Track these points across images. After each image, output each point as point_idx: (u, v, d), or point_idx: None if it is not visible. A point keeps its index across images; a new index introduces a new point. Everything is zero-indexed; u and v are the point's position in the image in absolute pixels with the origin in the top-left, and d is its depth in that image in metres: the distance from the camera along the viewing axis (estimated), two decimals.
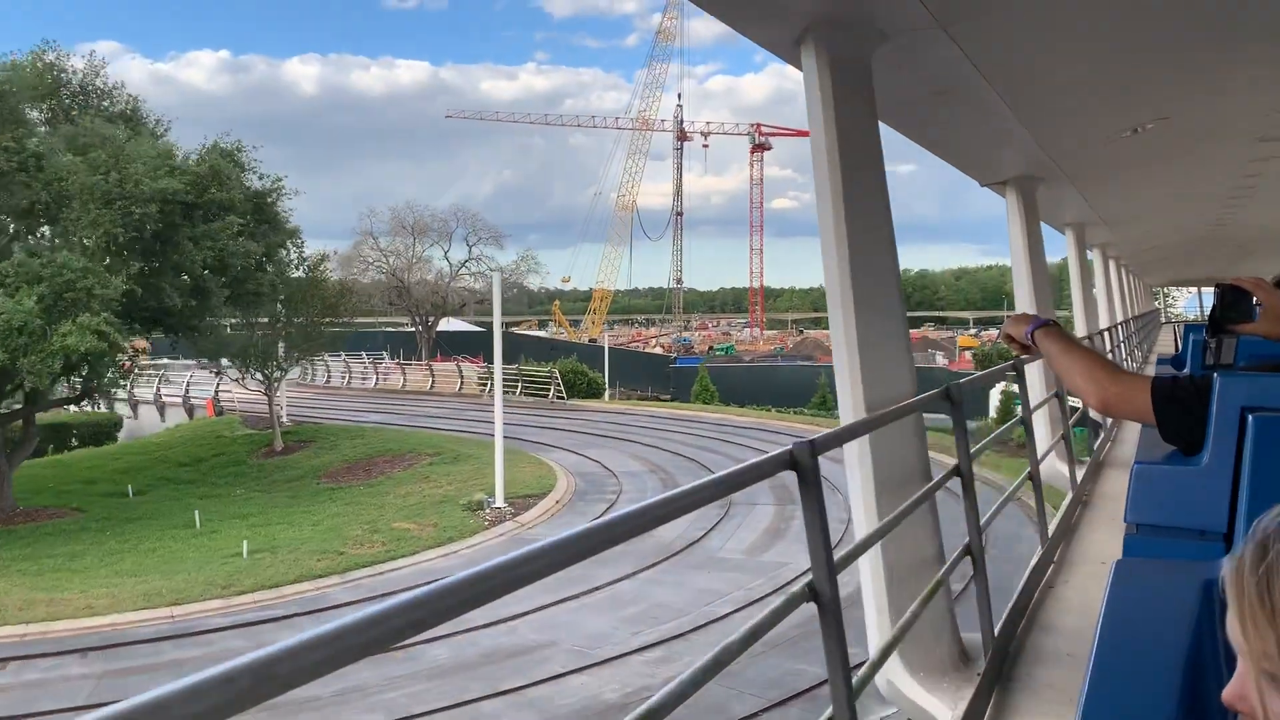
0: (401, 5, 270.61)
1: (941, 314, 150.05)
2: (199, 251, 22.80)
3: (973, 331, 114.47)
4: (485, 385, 42.89)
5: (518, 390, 41.65)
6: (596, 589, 16.70)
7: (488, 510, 21.85)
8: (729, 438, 30.88)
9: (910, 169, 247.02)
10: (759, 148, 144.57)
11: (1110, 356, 11.34)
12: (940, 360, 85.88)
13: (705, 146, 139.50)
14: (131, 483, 28.14)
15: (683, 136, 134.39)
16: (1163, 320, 38.71)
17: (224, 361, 30.67)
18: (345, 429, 32.68)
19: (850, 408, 3.69)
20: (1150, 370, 7.49)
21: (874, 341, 3.72)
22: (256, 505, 25.09)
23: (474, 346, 65.02)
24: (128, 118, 27.42)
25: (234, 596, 16.93)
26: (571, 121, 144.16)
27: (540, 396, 40.55)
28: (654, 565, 18.20)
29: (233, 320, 29.74)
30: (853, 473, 3.67)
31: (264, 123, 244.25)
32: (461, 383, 43.32)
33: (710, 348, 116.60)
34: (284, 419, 33.71)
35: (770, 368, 67.34)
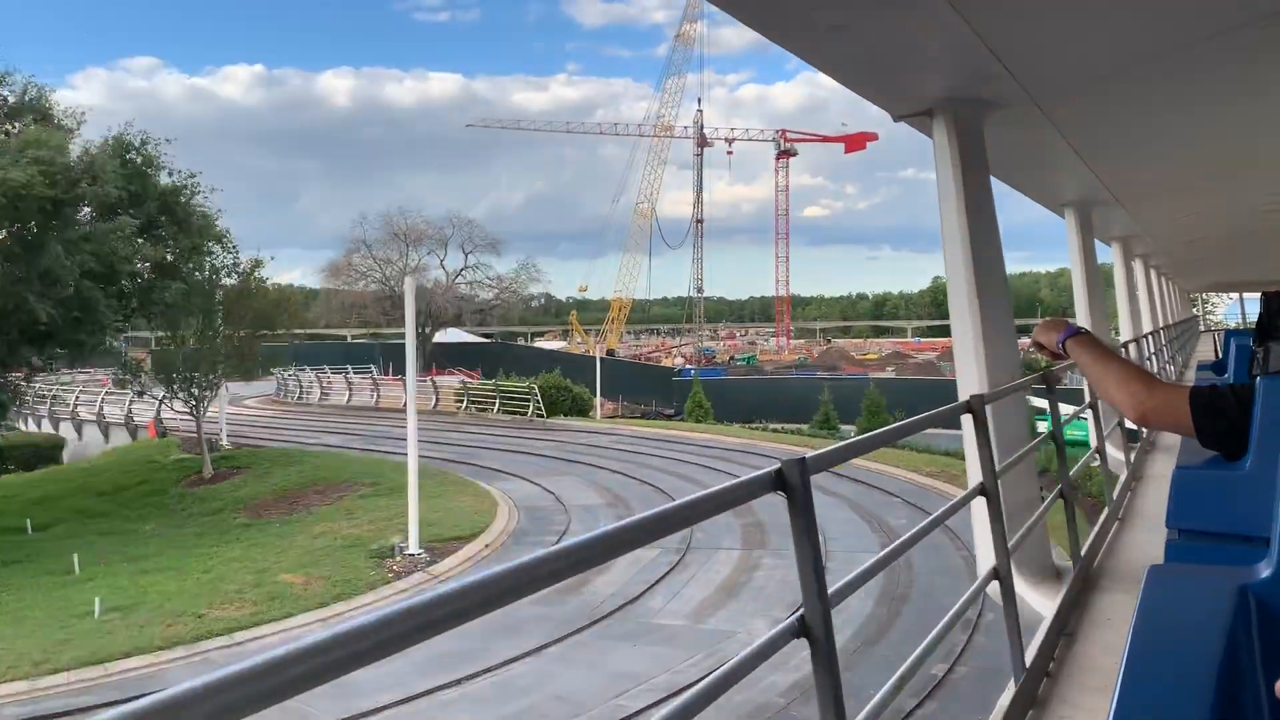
0: (433, 18, 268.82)
1: None
2: (73, 256, 19.71)
3: None
4: (462, 402, 39.71)
5: (495, 408, 38.40)
6: (487, 671, 13.29)
7: (398, 557, 18.52)
8: (711, 463, 27.37)
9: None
10: (784, 154, 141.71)
11: (1148, 364, 11.26)
12: None
13: (729, 153, 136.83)
14: (39, 515, 25.21)
15: (703, 142, 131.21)
16: (1201, 328, 36.41)
17: (144, 380, 27.64)
18: (288, 453, 29.54)
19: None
20: (1190, 377, 9.34)
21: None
22: (157, 545, 21.97)
23: (473, 358, 62.05)
24: (33, 109, 24.50)
25: (44, 676, 13.73)
26: (593, 129, 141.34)
27: (520, 414, 37.27)
28: (572, 635, 14.76)
29: (158, 335, 26.72)
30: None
31: (298, 135, 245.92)
32: (436, 400, 40.10)
33: (731, 358, 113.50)
34: (224, 442, 30.70)
35: (778, 380, 63.49)
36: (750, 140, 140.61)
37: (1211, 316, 62.57)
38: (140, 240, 21.32)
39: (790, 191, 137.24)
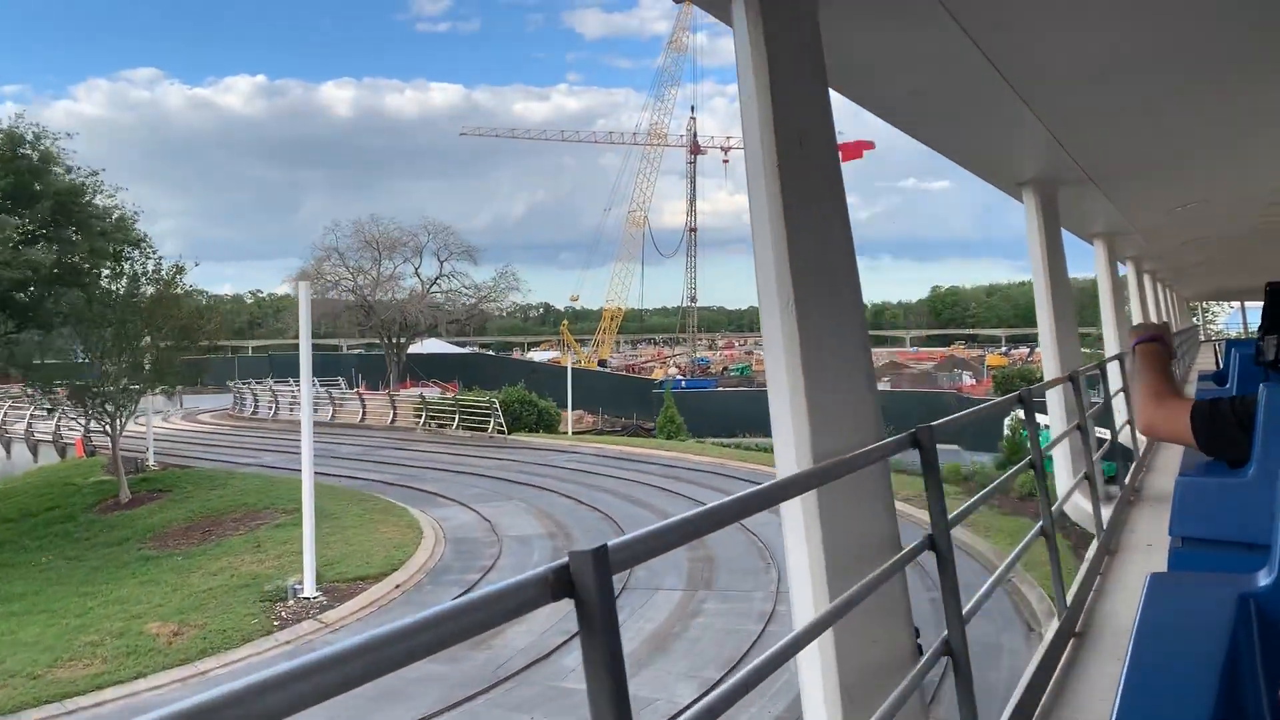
0: (434, 28, 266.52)
1: (973, 331, 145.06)
2: None
3: (1003, 350, 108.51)
4: (421, 417, 37.53)
5: (454, 424, 36.19)
6: None
7: (291, 601, 16.31)
8: (671, 485, 25.16)
9: (944, 185, 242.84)
10: None
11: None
12: (967, 380, 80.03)
13: (725, 161, 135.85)
14: None
15: (696, 150, 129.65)
16: (1201, 338, 34.39)
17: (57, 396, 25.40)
18: (215, 475, 27.33)
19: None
20: (1192, 388, 8.72)
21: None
22: (43, 581, 19.76)
23: (452, 369, 59.86)
24: None
25: None
26: (588, 137, 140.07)
27: (481, 430, 35.07)
28: (464, 701, 12.56)
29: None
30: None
31: (299, 146, 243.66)
32: (394, 415, 37.90)
33: (725, 369, 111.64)
34: (150, 462, 28.52)
35: (754, 394, 61.15)
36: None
37: (1212, 326, 60.46)
38: (27, 245, 19.14)
39: None
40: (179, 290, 25.24)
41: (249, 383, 44.54)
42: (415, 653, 1.05)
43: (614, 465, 28.81)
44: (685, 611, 15.80)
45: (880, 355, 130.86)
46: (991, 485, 4.06)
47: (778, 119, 2.95)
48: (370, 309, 55.78)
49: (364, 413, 38.91)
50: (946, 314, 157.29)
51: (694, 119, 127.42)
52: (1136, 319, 15.48)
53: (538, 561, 19.38)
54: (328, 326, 55.18)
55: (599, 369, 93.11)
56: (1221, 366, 7.55)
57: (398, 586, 17.33)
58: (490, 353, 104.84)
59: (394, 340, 56.62)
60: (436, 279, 58.59)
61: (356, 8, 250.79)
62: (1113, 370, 8.15)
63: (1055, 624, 4.06)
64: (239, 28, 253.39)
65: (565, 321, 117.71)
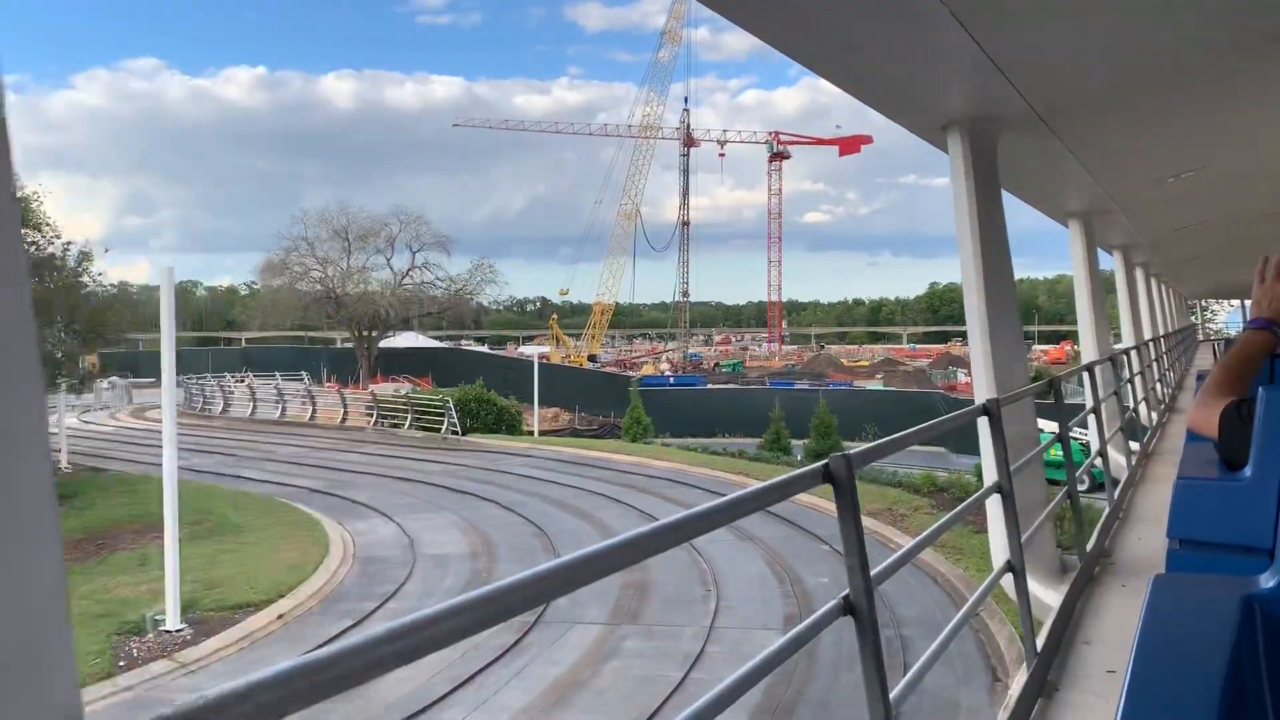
0: (435, 21, 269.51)
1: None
2: None
3: None
4: (372, 416, 35.38)
5: (407, 424, 34.03)
6: None
7: (149, 635, 14.18)
8: (622, 494, 22.99)
9: (944, 182, 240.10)
10: (777, 156, 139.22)
11: (1143, 374, 11.31)
12: (962, 377, 77.83)
13: (721, 155, 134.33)
14: None
15: (690, 143, 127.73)
16: (1200, 338, 34.00)
17: None
18: (128, 479, 25.21)
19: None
20: (1191, 392, 10.27)
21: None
22: None
23: (423, 365, 57.76)
24: None
25: None
26: (582, 129, 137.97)
27: (434, 431, 32.92)
28: None
29: None
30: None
31: (300, 138, 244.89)
32: (345, 414, 35.75)
33: (716, 364, 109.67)
34: (63, 464, 26.40)
35: (743, 391, 58.93)
36: (743, 142, 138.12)
37: (1211, 324, 58.23)
38: None
39: (790, 197, 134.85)
40: (87, 281, 23.08)
41: (205, 378, 42.39)
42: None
43: (567, 471, 26.64)
44: (600, 652, 13.66)
45: (875, 352, 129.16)
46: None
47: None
48: (339, 301, 53.58)
49: (314, 410, 36.76)
50: (944, 310, 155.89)
51: (687, 110, 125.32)
52: (1125, 317, 15.20)
53: (449, 588, 17.26)
54: (295, 319, 53.05)
55: (581, 365, 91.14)
56: None
57: (280, 617, 15.19)
58: (475, 347, 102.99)
59: (364, 334, 54.46)
60: (409, 271, 56.38)
61: None
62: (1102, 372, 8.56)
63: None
64: (240, 18, 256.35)
65: (555, 316, 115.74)
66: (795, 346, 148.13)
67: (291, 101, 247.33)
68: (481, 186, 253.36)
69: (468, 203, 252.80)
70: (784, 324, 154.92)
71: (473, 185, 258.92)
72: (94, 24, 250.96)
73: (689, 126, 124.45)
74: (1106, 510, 6.32)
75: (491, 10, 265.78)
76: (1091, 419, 7.77)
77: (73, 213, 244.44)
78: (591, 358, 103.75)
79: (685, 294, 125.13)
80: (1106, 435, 7.32)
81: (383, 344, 58.75)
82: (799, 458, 30.07)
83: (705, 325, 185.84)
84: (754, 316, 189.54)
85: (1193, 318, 41.76)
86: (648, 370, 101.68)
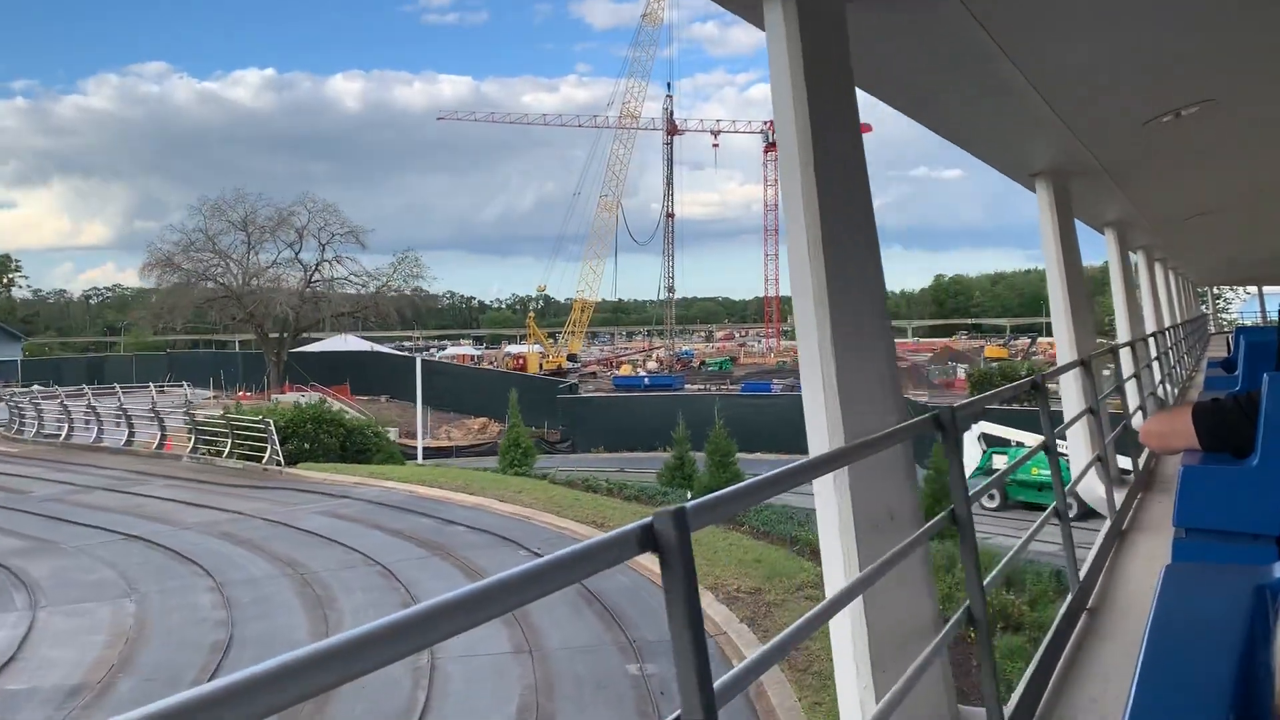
0: (442, 20, 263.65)
1: (977, 321, 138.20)
2: None
3: (1003, 340, 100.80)
4: (191, 441, 28.91)
5: (226, 449, 27.53)
6: None
7: None
8: (411, 566, 16.44)
9: (956, 174, 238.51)
10: (773, 146, 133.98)
11: (1154, 368, 11.36)
12: (961, 374, 71.53)
13: (715, 146, 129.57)
14: None
15: (673, 130, 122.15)
16: (1211, 330, 31.13)
17: None
18: None
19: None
20: (1200, 376, 9.58)
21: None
22: None
23: (344, 370, 51.17)
24: None
25: None
26: (571, 122, 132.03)
27: (257, 460, 26.44)
28: None
29: None
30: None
31: (308, 139, 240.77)
32: (161, 437, 29.33)
33: (702, 363, 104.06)
34: None
35: (682, 399, 51.98)
36: (736, 131, 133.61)
37: (1225, 315, 51.24)
38: None
39: None
40: None
41: (47, 391, 36.18)
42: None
43: (376, 522, 20.02)
44: None
45: None
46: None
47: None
48: (239, 300, 47.19)
49: (131, 432, 30.35)
50: (950, 303, 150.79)
51: (670, 97, 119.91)
52: (1147, 307, 15.64)
53: None
54: (196, 321, 47.01)
55: (561, 366, 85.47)
56: (1232, 353, 7.78)
57: None
58: (468, 349, 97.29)
59: (270, 336, 48.13)
60: (316, 265, 49.97)
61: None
62: (1124, 355, 8.72)
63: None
64: (246, 21, 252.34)
65: (531, 314, 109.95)
66: (795, 342, 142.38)
67: (300, 103, 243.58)
68: (490, 185, 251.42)
69: (477, 201, 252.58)
70: (783, 319, 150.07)
71: (482, 184, 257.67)
72: (102, 28, 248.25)
73: (671, 114, 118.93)
74: (1106, 524, 5.74)
75: (497, 9, 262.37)
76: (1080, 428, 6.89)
77: (84, 217, 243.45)
78: (571, 357, 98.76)
79: (671, 289, 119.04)
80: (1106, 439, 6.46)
81: (314, 347, 52.72)
82: (689, 495, 23.30)
83: (708, 321, 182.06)
84: (758, 312, 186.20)
85: (1203, 307, 37.07)
86: (624, 370, 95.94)
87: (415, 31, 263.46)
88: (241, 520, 20.67)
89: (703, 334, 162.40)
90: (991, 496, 28.99)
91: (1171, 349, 13.85)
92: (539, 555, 1.29)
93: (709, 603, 13.89)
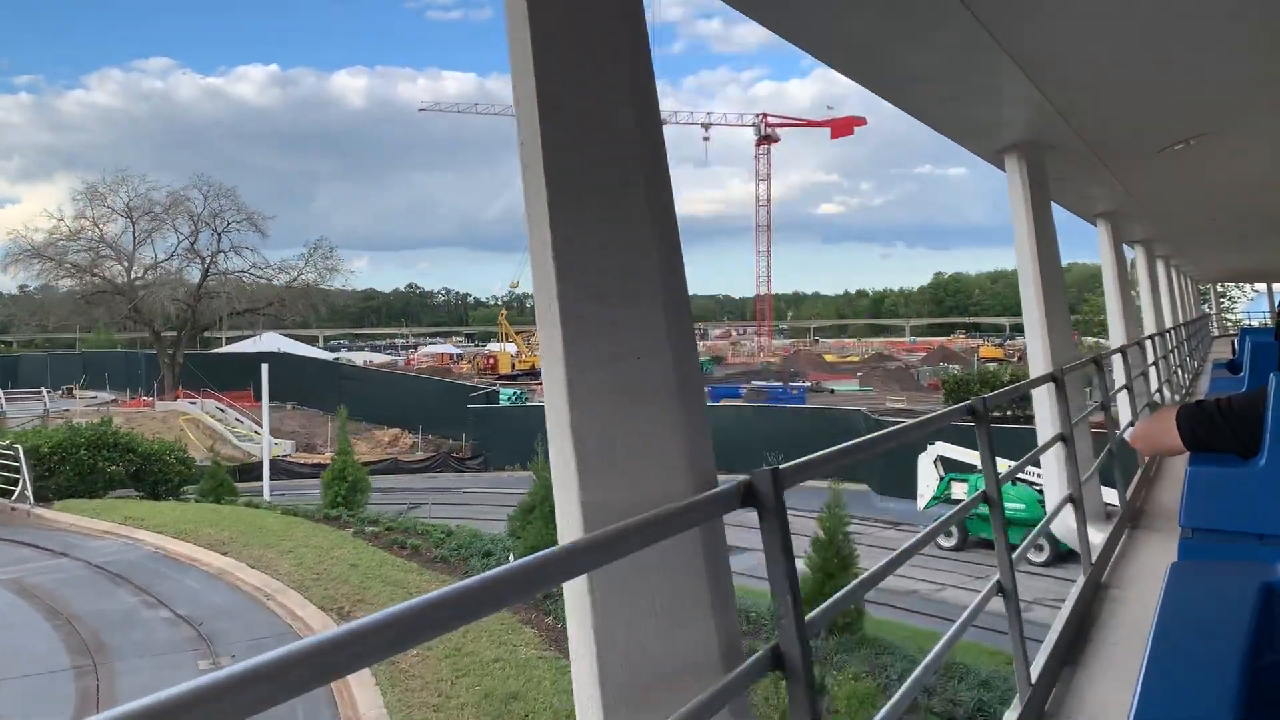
0: (445, 16, 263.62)
1: (976, 320, 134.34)
2: None
3: (998, 340, 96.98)
4: None
5: None
6: None
7: None
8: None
9: (960, 171, 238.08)
10: (765, 140, 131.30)
11: (1157, 370, 11.08)
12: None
13: (706, 139, 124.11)
14: None
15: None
16: (1215, 332, 29.79)
17: None
18: None
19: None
20: (1205, 380, 9.55)
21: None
22: None
23: (248, 375, 46.13)
24: None
25: None
26: None
27: (7, 496, 21.51)
28: None
29: None
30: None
31: (313, 135, 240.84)
32: None
33: None
34: None
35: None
36: (727, 125, 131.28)
37: (1230, 315, 46.59)
38: None
39: (803, 188, 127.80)
40: None
41: None
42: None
43: (63, 601, 14.91)
44: None
45: (873, 346, 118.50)
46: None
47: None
48: (124, 295, 42.34)
49: None
50: (949, 302, 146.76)
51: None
52: (1147, 306, 15.20)
53: None
54: (83, 319, 42.29)
55: (534, 366, 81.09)
56: (1237, 354, 7.55)
57: None
58: (453, 347, 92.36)
59: (162, 336, 43.28)
60: (212, 257, 44.98)
61: None
62: (1116, 363, 8.27)
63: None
64: (251, 17, 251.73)
65: (503, 312, 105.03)
66: (788, 341, 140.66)
67: (304, 99, 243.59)
68: (495, 181, 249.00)
69: (482, 197, 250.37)
70: (780, 317, 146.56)
71: (487, 180, 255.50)
72: (106, 24, 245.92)
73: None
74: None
75: (500, 5, 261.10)
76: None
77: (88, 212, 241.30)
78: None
79: None
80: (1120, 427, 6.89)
81: (235, 348, 48.29)
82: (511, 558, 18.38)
83: (705, 319, 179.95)
84: (754, 311, 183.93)
85: (1205, 307, 35.38)
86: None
87: (419, 28, 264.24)
88: None
89: (699, 331, 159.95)
90: (949, 534, 24.37)
91: (1173, 351, 13.10)
92: (215, 668, 0.76)
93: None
